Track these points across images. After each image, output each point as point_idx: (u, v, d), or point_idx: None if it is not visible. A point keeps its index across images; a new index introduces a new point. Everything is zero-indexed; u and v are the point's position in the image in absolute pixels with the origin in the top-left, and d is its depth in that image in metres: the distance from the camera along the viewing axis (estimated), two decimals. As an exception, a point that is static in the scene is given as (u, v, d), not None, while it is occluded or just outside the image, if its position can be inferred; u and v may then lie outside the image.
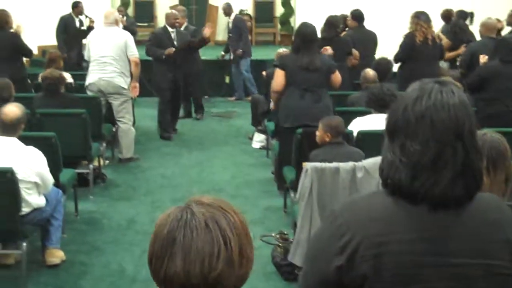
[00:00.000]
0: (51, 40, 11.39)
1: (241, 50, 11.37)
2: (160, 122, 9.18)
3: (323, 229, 1.75)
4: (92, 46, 7.93)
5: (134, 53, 7.85)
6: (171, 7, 10.63)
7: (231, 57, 11.66)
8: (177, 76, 9.06)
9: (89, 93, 7.76)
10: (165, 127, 9.15)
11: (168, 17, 9.27)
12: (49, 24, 11.39)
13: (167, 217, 1.49)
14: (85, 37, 10.79)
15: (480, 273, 1.62)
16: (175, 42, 9.04)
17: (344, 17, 9.35)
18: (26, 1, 12.23)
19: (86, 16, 11.08)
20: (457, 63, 8.61)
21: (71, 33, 10.72)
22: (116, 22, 8.01)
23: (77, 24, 11.04)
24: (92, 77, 7.83)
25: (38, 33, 11.80)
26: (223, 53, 11.99)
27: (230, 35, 11.72)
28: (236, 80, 11.92)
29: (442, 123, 1.59)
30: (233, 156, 8.42)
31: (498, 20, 8.90)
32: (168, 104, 9.10)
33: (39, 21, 11.86)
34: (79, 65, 10.44)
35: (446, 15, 10.20)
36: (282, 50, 8.95)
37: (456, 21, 9.81)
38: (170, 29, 9.15)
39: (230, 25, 11.82)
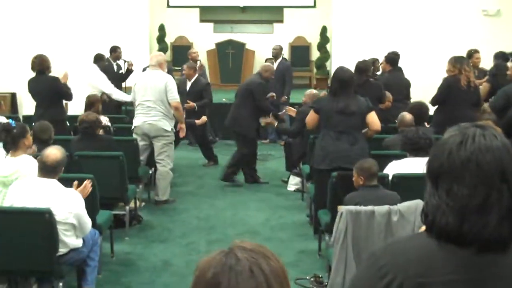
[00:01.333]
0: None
1: (286, 97, 11.38)
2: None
3: (363, 271, 1.75)
4: (137, 89, 8.05)
5: (174, 97, 7.90)
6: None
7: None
8: None
9: (135, 136, 7.87)
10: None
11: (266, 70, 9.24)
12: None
13: (211, 261, 1.48)
14: (123, 81, 11.06)
15: None
16: None
17: (374, 61, 9.37)
18: (65, 45, 12.56)
19: (125, 61, 11.25)
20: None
21: (110, 77, 10.90)
22: (159, 65, 8.02)
23: (115, 68, 11.24)
24: (137, 120, 7.97)
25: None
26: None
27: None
28: None
29: (488, 166, 1.60)
30: (268, 198, 8.42)
31: None
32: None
33: (79, 65, 12.14)
34: (119, 108, 10.60)
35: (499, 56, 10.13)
36: (310, 91, 9.04)
37: (497, 64, 9.72)
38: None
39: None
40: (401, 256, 1.67)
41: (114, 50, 11.27)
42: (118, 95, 10.16)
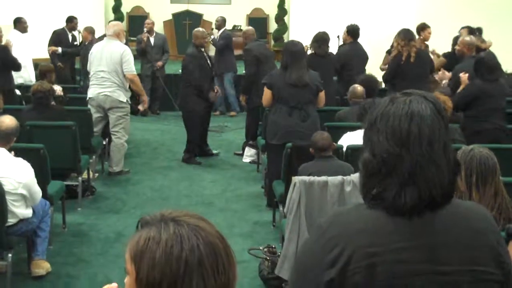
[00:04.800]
0: (43, 53, 11.35)
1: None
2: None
3: (311, 242, 1.74)
4: (92, 59, 7.88)
5: (129, 69, 7.72)
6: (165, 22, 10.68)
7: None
8: None
9: (90, 107, 7.69)
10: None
11: (197, 36, 8.75)
12: (42, 37, 11.37)
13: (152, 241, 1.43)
14: (77, 52, 10.86)
15: (468, 279, 1.63)
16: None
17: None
18: (20, 14, 12.25)
19: (79, 32, 11.04)
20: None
21: (63, 47, 10.70)
22: (117, 35, 7.80)
23: (70, 39, 11.01)
24: (91, 91, 7.81)
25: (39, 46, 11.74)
26: None
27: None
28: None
29: (384, 131, 1.63)
30: (224, 170, 8.40)
31: (482, 40, 8.80)
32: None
33: (32, 34, 11.85)
34: (72, 79, 10.43)
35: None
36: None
37: (455, 38, 9.75)
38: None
39: (217, 38, 11.81)
40: (349, 227, 1.67)
41: (70, 21, 11.02)
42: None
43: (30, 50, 9.96)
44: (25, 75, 9.61)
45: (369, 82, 6.99)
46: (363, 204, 1.71)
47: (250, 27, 9.70)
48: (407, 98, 1.68)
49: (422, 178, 1.61)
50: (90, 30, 10.33)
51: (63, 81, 9.81)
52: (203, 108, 8.57)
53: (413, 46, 7.55)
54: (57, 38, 10.79)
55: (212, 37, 11.76)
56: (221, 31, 11.93)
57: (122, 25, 8.22)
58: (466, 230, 1.67)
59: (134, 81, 7.87)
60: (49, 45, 10.82)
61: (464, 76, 7.00)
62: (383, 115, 1.66)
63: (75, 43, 11.05)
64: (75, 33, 11.14)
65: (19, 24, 10.06)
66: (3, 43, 8.32)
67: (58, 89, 7.89)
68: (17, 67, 8.28)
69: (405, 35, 7.59)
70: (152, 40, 11.39)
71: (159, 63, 11.28)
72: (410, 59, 7.48)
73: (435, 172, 1.62)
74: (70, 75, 10.70)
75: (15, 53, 8.95)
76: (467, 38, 8.07)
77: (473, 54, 7.67)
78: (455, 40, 9.27)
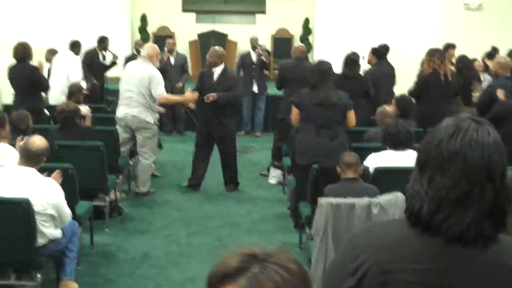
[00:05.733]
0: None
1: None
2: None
3: (341, 249, 1.78)
4: (123, 79, 8.01)
5: (159, 92, 7.75)
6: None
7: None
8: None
9: (118, 127, 7.78)
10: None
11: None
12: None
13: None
14: (106, 71, 10.99)
15: None
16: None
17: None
18: (52, 35, 12.45)
19: (110, 52, 11.15)
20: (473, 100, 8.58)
21: (95, 67, 10.80)
22: (150, 58, 7.89)
23: (101, 58, 11.12)
24: (120, 111, 7.90)
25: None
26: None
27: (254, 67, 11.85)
28: (247, 114, 12.07)
29: (474, 163, 1.59)
30: (249, 191, 8.41)
31: None
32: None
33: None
34: (102, 99, 10.52)
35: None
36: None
37: (461, 58, 9.80)
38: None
39: (254, 59, 11.91)
40: (374, 239, 1.68)
41: (102, 41, 11.15)
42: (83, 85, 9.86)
43: (81, 72, 10.12)
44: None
45: (404, 103, 7.00)
46: (399, 220, 1.71)
47: (301, 44, 9.73)
48: (479, 127, 1.65)
49: (498, 211, 1.60)
50: (52, 52, 10.39)
51: (93, 101, 9.95)
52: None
53: (446, 65, 7.60)
54: (89, 58, 10.88)
55: (261, 52, 11.92)
56: (256, 50, 12.07)
57: (156, 48, 8.26)
58: (499, 266, 1.63)
59: (169, 100, 7.93)
60: (82, 64, 10.89)
61: (501, 93, 7.00)
62: (471, 143, 1.62)
63: (106, 62, 11.16)
64: (106, 52, 11.25)
65: (76, 47, 10.28)
66: (36, 63, 8.44)
67: (85, 109, 7.98)
68: (46, 88, 8.39)
69: (440, 55, 7.64)
70: (172, 60, 11.50)
71: (179, 84, 11.33)
72: (440, 78, 7.51)
73: (507, 206, 1.62)
74: (99, 95, 10.78)
75: (70, 73, 9.43)
76: (502, 60, 8.10)
77: (507, 75, 7.70)
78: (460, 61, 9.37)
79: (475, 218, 1.58)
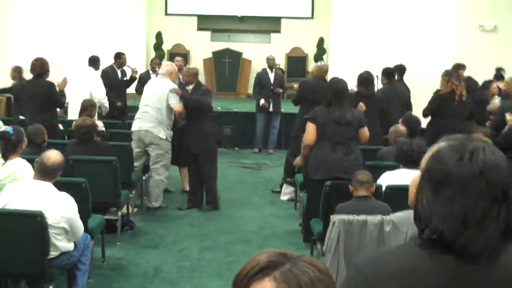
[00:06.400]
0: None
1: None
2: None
3: (348, 282, 1.74)
4: (142, 95, 8.19)
5: (174, 103, 7.86)
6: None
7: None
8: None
9: (132, 142, 7.89)
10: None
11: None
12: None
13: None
14: (127, 87, 11.04)
15: None
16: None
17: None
18: (68, 51, 12.59)
19: (129, 67, 11.18)
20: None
21: (113, 84, 10.79)
22: (169, 75, 8.04)
23: (119, 75, 11.13)
24: (134, 125, 8.03)
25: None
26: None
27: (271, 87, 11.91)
28: (260, 132, 12.12)
29: (495, 182, 1.61)
30: (261, 207, 8.42)
31: None
32: None
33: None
34: (123, 114, 10.55)
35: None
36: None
37: (466, 79, 9.78)
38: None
39: (271, 77, 12.00)
40: (387, 268, 1.66)
41: (119, 57, 11.12)
42: (104, 101, 9.97)
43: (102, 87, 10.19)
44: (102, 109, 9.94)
45: (410, 122, 7.00)
46: (404, 245, 1.71)
47: (324, 63, 9.81)
48: (485, 147, 1.67)
49: (494, 226, 1.61)
50: (18, 70, 10.43)
51: (112, 116, 10.06)
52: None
53: (463, 86, 7.65)
54: (106, 76, 10.87)
55: (281, 91, 12.01)
56: (274, 70, 12.15)
57: (174, 66, 8.37)
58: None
59: (181, 114, 7.93)
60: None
61: (510, 117, 7.01)
62: (489, 164, 1.64)
63: (125, 78, 11.18)
64: (125, 68, 11.26)
65: (96, 63, 10.36)
66: (60, 79, 8.51)
67: (100, 124, 8.05)
68: (61, 105, 8.47)
69: (457, 75, 7.69)
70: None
71: None
72: (455, 97, 7.54)
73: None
74: (121, 111, 10.80)
75: (93, 89, 9.63)
76: None
77: None
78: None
79: (492, 237, 1.59)
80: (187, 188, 8.51)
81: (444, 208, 1.63)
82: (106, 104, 9.86)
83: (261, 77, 12.10)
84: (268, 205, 8.54)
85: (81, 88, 9.70)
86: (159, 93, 7.89)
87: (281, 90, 11.92)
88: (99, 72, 10.32)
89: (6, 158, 5.39)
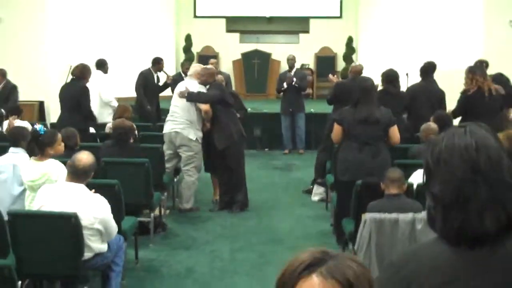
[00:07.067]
0: (128, 92, 11.68)
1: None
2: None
3: (383, 280, 1.74)
4: (173, 97, 8.26)
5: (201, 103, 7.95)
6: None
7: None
8: None
9: (164, 144, 7.99)
10: None
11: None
12: (128, 77, 11.73)
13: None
14: (160, 92, 11.16)
15: None
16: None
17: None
18: (98, 55, 12.70)
19: (165, 73, 11.32)
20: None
21: (150, 88, 10.95)
22: (196, 76, 8.13)
23: (155, 79, 11.27)
24: (165, 127, 8.14)
25: (118, 85, 12.04)
26: None
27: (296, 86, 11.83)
28: (286, 133, 12.09)
29: (453, 162, 1.65)
30: (292, 208, 8.42)
31: None
32: None
33: (118, 73, 12.22)
34: (158, 118, 10.65)
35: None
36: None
37: (498, 75, 9.63)
38: None
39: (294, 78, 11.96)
40: (422, 265, 1.67)
41: (157, 62, 11.23)
42: (114, 103, 10.05)
43: (112, 88, 10.32)
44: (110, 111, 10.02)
45: (442, 120, 6.94)
46: (435, 240, 1.71)
47: (359, 63, 9.78)
48: (466, 128, 1.71)
49: (499, 203, 1.61)
50: (1, 73, 10.55)
51: (147, 119, 10.20)
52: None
53: (489, 81, 7.52)
54: (144, 79, 11.01)
55: (294, 79, 11.83)
56: (294, 70, 12.08)
57: (200, 67, 8.45)
58: None
59: (207, 112, 7.96)
60: (137, 85, 11.01)
61: None
62: (447, 147, 1.68)
63: (159, 83, 11.31)
64: (160, 73, 11.39)
65: (104, 66, 10.51)
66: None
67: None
68: (85, 110, 8.50)
69: (481, 71, 7.56)
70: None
71: None
72: (484, 94, 7.44)
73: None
74: (156, 113, 10.91)
75: (102, 91, 9.83)
76: None
77: None
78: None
79: (477, 215, 1.61)
80: (217, 197, 8.50)
81: (429, 203, 1.70)
82: (114, 104, 9.93)
83: (282, 77, 12.13)
84: (299, 206, 8.53)
85: (91, 91, 9.85)
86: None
87: (294, 79, 11.74)
88: (107, 75, 10.47)
89: (35, 156, 5.47)
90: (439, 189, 1.66)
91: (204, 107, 7.91)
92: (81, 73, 8.39)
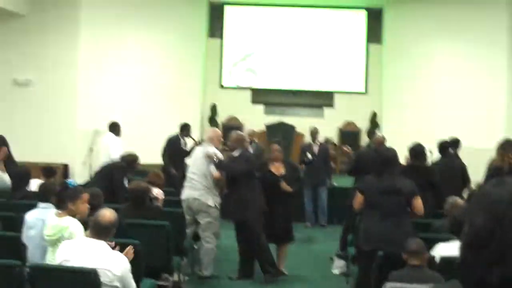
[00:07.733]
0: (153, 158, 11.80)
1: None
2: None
3: None
4: (190, 162, 8.37)
5: (213, 168, 7.97)
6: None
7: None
8: None
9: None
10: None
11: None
12: (153, 142, 11.91)
13: None
14: (187, 156, 11.28)
15: None
16: None
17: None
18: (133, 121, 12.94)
19: (193, 139, 11.52)
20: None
21: (177, 153, 11.13)
22: (211, 140, 8.20)
23: (182, 145, 11.46)
24: (183, 194, 8.10)
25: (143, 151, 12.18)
26: None
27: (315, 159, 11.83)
28: (308, 206, 12.05)
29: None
30: (313, 281, 8.34)
31: None
32: None
33: (144, 139, 12.39)
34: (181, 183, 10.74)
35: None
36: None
37: None
38: None
39: (315, 149, 11.97)
40: None
41: (186, 128, 11.58)
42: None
43: (122, 150, 10.49)
44: None
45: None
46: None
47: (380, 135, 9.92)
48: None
49: None
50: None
51: (172, 184, 10.26)
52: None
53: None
54: (172, 144, 11.25)
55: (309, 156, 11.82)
56: (316, 142, 12.15)
57: (218, 131, 8.58)
58: None
59: (219, 180, 7.99)
60: (164, 150, 11.23)
61: None
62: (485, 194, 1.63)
63: (185, 148, 11.47)
64: (187, 139, 11.59)
65: (116, 128, 10.90)
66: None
67: (159, 191, 8.10)
68: (120, 193, 8.56)
69: (507, 148, 7.54)
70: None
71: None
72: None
73: None
74: (182, 179, 11.00)
75: (112, 152, 10.16)
76: None
77: None
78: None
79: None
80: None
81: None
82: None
83: (305, 149, 12.13)
84: (320, 279, 8.43)
85: (102, 150, 10.19)
86: (204, 160, 8.00)
87: (310, 156, 11.69)
88: (119, 137, 10.81)
89: (58, 208, 5.50)
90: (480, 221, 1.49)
91: (216, 174, 7.94)
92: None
